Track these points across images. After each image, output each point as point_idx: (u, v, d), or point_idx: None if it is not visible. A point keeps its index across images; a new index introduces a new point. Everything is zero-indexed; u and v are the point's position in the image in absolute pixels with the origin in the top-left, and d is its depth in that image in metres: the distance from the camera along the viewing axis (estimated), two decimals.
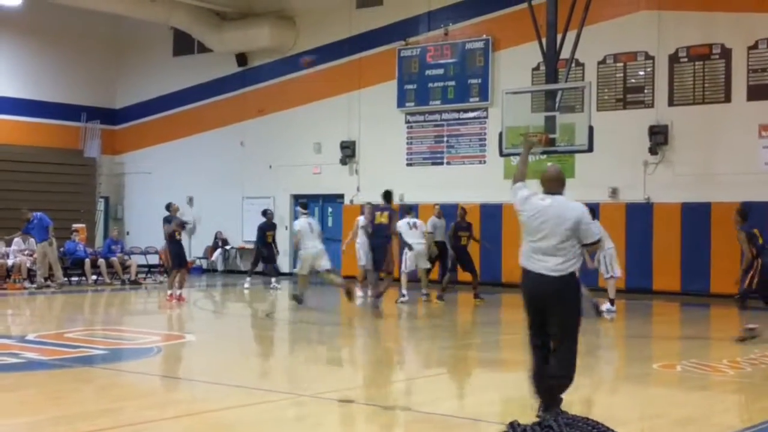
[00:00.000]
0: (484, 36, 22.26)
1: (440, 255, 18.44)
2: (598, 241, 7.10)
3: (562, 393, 6.81)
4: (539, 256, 6.74)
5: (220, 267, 26.53)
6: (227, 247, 26.72)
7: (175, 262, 17.30)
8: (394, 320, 15.61)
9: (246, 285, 20.71)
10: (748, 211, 12.94)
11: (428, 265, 17.86)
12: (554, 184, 6.93)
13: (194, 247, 27.11)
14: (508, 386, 9.37)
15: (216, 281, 24.40)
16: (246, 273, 21.95)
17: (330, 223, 25.11)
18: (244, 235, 25.88)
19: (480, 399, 8.69)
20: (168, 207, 17.91)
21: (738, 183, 18.53)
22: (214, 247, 26.73)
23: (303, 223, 16.87)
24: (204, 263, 26.88)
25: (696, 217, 18.99)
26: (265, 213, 21.20)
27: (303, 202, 18.39)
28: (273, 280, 20.86)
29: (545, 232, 6.73)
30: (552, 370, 6.77)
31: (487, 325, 15.33)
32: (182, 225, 18.04)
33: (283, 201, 25.57)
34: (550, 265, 6.68)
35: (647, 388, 9.21)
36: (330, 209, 25.17)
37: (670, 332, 14.90)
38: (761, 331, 11.92)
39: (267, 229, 20.89)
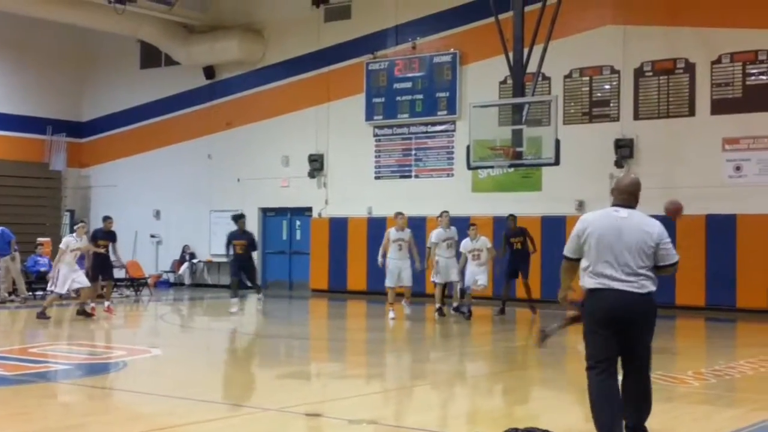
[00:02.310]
0: (452, 50, 22.39)
1: None
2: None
3: None
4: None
5: (187, 281, 26.38)
6: (195, 261, 26.57)
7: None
8: (360, 334, 15.58)
9: (233, 309, 18.21)
10: None
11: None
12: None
13: (161, 261, 26.95)
14: (476, 398, 9.39)
15: (183, 295, 24.24)
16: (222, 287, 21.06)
17: (298, 237, 25.08)
18: (211, 248, 25.76)
19: (448, 412, 8.69)
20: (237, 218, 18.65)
21: (702, 196, 18.72)
22: (182, 261, 26.57)
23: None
24: (171, 277, 26.70)
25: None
26: (234, 219, 18.94)
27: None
28: (258, 295, 19.05)
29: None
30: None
31: (454, 338, 15.36)
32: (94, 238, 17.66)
33: (251, 214, 25.45)
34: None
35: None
36: (298, 222, 25.13)
37: None
38: None
39: (234, 238, 18.42)
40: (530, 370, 11.73)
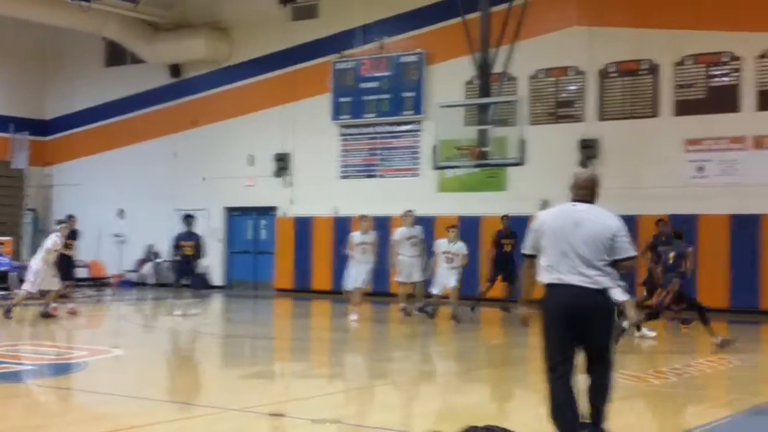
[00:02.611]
0: (419, 50, 22.42)
1: None
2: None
3: None
4: None
5: (151, 280, 26.18)
6: (159, 260, 26.39)
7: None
8: (324, 333, 15.56)
9: (178, 312, 17.69)
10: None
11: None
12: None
13: (125, 260, 26.74)
14: (439, 397, 9.40)
15: (146, 295, 24.06)
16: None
17: (263, 236, 25.00)
18: None
19: (410, 411, 8.70)
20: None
21: (665, 196, 18.91)
22: (145, 260, 26.38)
23: None
24: (134, 276, 26.49)
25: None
26: (185, 220, 18.20)
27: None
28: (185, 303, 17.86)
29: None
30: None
31: (418, 338, 15.38)
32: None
33: (216, 213, 25.37)
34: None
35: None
36: (263, 222, 25.05)
37: None
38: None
39: (181, 239, 17.79)
40: (494, 369, 11.78)
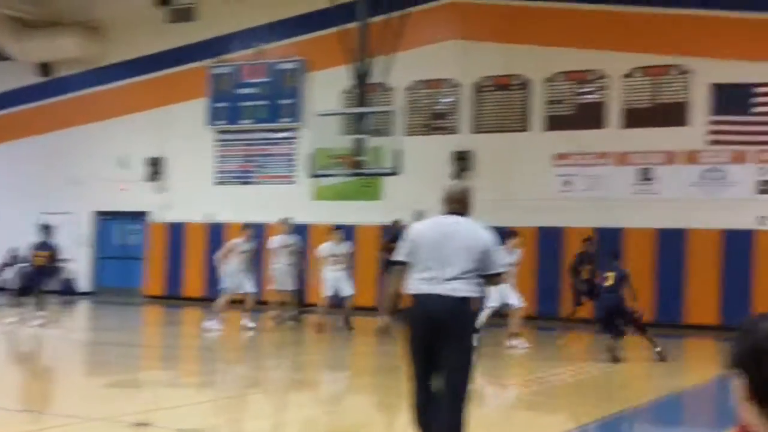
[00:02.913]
0: (297, 57, 22.40)
1: None
2: None
3: None
4: None
5: (14, 285, 25.19)
6: (23, 265, 25.46)
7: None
8: (194, 341, 15.35)
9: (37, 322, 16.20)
10: None
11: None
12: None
13: None
14: (309, 406, 9.42)
15: (9, 301, 23.15)
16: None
17: (133, 241, 24.46)
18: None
19: (279, 419, 8.69)
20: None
21: (535, 208, 19.43)
22: (8, 264, 25.41)
23: None
24: None
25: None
26: (42, 229, 17.45)
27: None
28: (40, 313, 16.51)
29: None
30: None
31: (289, 346, 15.35)
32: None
33: (85, 217, 24.70)
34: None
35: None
36: (134, 227, 24.51)
37: None
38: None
39: (36, 248, 17.15)
40: (367, 377, 11.86)
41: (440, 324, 6.06)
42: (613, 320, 12.72)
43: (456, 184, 6.98)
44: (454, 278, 6.14)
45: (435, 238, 6.30)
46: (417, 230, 6.48)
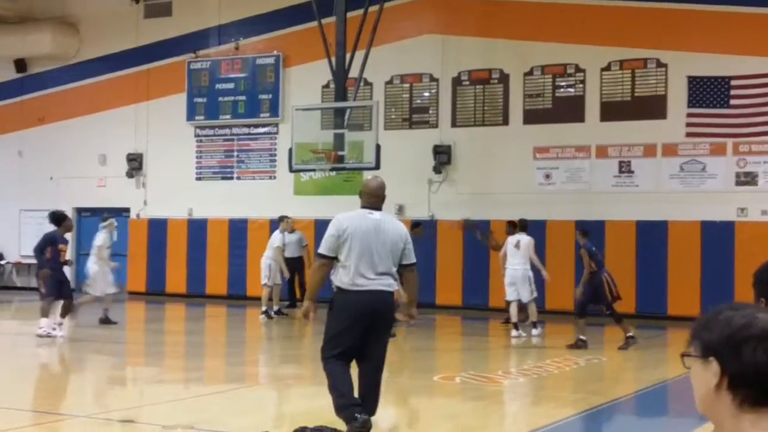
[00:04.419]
0: (275, 52, 22.35)
1: (297, 270, 18.77)
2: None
3: None
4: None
5: None
6: (2, 263, 25.33)
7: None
8: (179, 337, 15.32)
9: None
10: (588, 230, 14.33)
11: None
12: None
13: None
14: (294, 400, 9.43)
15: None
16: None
17: (114, 237, 24.28)
18: (21, 249, 24.59)
19: (265, 414, 8.69)
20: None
21: (514, 201, 19.49)
22: None
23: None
24: None
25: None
26: (57, 218, 14.65)
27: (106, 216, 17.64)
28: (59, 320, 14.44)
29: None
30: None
31: (277, 341, 15.35)
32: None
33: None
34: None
35: (427, 400, 9.52)
36: (115, 223, 24.32)
37: (452, 345, 15.45)
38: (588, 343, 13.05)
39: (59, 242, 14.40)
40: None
41: (378, 316, 6.68)
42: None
43: (374, 178, 7.31)
44: (386, 273, 6.68)
45: (366, 232, 6.65)
46: (344, 225, 6.72)
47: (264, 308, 17.40)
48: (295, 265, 18.80)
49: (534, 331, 14.70)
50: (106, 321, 15.78)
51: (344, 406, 6.60)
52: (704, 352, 1.91)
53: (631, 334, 13.21)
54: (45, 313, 13.90)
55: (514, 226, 15.43)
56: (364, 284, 6.57)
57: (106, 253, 15.74)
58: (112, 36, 24.08)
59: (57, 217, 14.47)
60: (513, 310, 14.68)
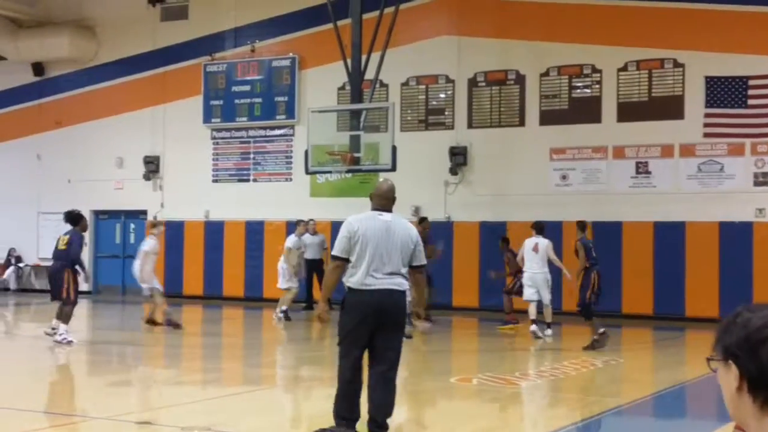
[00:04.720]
0: (291, 54, 22.39)
1: (316, 272, 18.92)
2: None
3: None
4: None
5: (12, 285, 25.24)
6: (21, 265, 25.48)
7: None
8: (196, 339, 15.35)
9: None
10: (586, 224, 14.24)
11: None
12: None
13: None
14: (310, 402, 9.43)
15: (7, 300, 23.16)
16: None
17: (132, 240, 24.44)
18: (39, 252, 24.74)
19: (282, 416, 8.70)
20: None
21: (531, 203, 19.46)
22: (7, 265, 25.42)
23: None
24: None
25: (493, 236, 19.77)
26: (75, 217, 14.08)
27: None
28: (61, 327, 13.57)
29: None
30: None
31: (293, 343, 15.36)
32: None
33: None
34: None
35: (444, 402, 9.51)
36: (133, 225, 24.49)
37: (468, 346, 15.43)
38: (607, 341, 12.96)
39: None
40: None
41: (388, 315, 6.75)
42: None
43: (384, 181, 7.48)
44: (396, 273, 6.79)
45: (376, 233, 6.81)
46: (355, 227, 6.89)
47: (282, 308, 17.42)
48: (314, 266, 18.93)
49: (548, 332, 14.67)
50: (152, 322, 15.78)
51: (338, 416, 6.86)
52: (724, 355, 1.90)
53: (596, 337, 13.06)
54: (68, 319, 13.60)
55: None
56: (373, 284, 6.70)
57: (153, 260, 15.70)
58: (129, 39, 24.20)
59: (74, 217, 14.02)
60: (532, 309, 14.68)
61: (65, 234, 13.85)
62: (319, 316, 7.16)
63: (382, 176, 20.29)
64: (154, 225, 16.68)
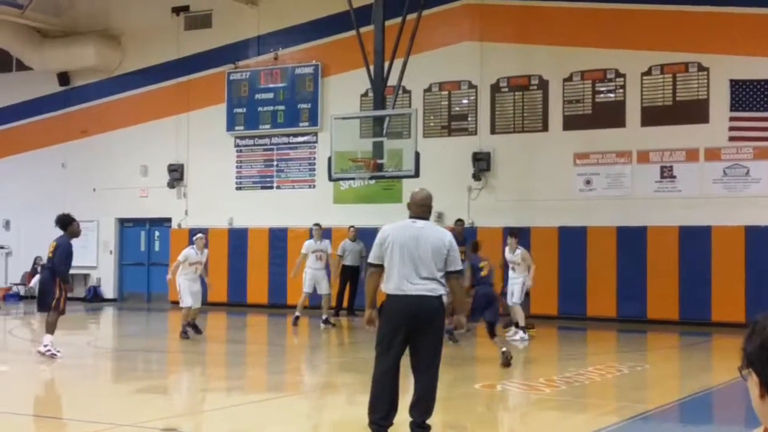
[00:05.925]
0: (314, 61, 22.46)
1: (351, 279, 19.23)
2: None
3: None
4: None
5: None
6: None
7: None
8: (220, 346, 15.38)
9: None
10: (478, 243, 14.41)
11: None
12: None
13: (11, 273, 25.92)
14: (336, 409, 9.43)
15: (34, 308, 23.29)
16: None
17: (157, 248, 24.59)
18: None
19: (308, 423, 8.70)
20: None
21: (555, 208, 19.39)
22: (33, 273, 25.61)
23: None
24: (22, 289, 25.70)
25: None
26: (63, 221, 13.31)
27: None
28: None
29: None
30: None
31: (314, 349, 15.37)
32: None
33: (107, 224, 24.85)
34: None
35: (469, 409, 9.47)
36: (157, 233, 24.64)
37: (493, 353, 15.35)
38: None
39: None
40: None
41: (422, 320, 6.88)
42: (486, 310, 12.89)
43: (420, 189, 7.57)
44: (430, 278, 6.92)
45: (406, 240, 6.99)
46: (387, 234, 7.11)
47: (324, 316, 17.43)
48: (352, 273, 19.09)
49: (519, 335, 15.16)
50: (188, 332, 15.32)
51: (371, 421, 6.95)
52: (746, 362, 1.89)
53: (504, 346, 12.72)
54: (53, 329, 12.56)
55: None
56: (407, 289, 6.85)
57: (189, 269, 15.60)
58: (153, 48, 24.37)
59: (62, 220, 13.07)
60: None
61: (54, 240, 13.02)
62: (367, 320, 7.27)
63: (405, 183, 20.35)
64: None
